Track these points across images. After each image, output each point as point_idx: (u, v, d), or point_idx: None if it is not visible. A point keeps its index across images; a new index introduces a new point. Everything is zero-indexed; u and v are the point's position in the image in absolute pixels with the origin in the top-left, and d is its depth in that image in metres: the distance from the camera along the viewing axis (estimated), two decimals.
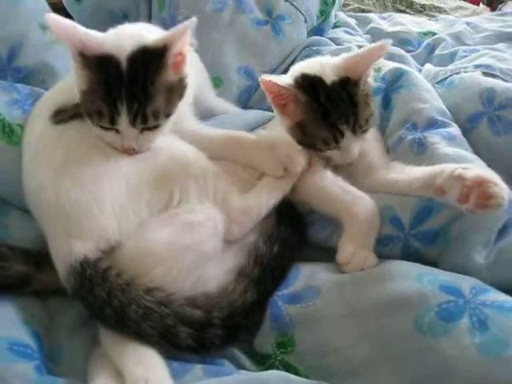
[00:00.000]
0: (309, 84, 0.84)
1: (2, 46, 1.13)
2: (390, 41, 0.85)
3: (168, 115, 0.79)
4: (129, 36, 0.79)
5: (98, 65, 0.74)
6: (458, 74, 1.06)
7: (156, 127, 0.79)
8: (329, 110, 0.82)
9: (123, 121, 0.75)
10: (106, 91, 0.74)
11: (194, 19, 0.76)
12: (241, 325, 0.72)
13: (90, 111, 0.76)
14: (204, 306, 0.70)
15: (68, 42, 0.74)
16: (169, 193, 0.78)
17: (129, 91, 0.74)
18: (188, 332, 0.67)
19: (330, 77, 0.84)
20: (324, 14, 1.43)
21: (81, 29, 0.75)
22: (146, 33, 0.80)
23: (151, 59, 0.76)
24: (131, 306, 0.67)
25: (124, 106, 0.74)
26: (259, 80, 0.84)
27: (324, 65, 0.87)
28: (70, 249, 0.72)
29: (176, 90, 0.80)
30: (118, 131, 0.77)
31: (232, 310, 0.71)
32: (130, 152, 0.79)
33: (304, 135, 0.85)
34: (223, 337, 0.69)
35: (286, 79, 0.86)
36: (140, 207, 0.76)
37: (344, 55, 0.88)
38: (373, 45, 0.86)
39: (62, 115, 0.81)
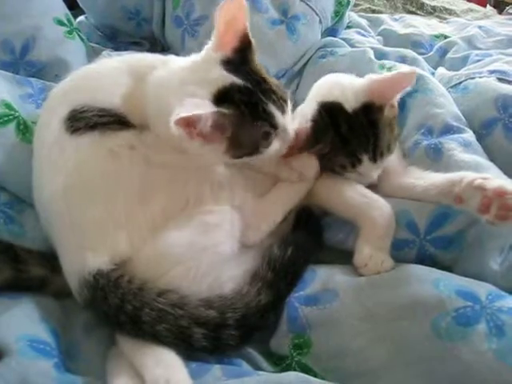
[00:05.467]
0: (329, 113, 0.84)
1: (15, 39, 1.14)
2: (417, 69, 0.85)
3: None
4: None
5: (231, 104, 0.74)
6: (472, 79, 1.06)
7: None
8: (349, 139, 0.82)
9: (281, 118, 0.77)
10: (256, 114, 0.75)
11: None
12: (255, 326, 0.72)
13: (255, 146, 0.77)
14: (218, 307, 0.70)
15: None
16: (184, 199, 0.78)
17: (262, 91, 0.76)
18: (203, 333, 0.68)
19: (351, 103, 0.83)
20: (338, 14, 1.43)
21: None
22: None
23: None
24: (144, 309, 0.68)
25: (272, 106, 0.76)
26: None
27: (346, 89, 0.86)
28: (83, 262, 0.71)
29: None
30: (277, 136, 0.78)
31: (246, 312, 0.71)
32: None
33: (323, 159, 0.85)
34: (238, 338, 0.70)
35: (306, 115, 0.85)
36: (154, 217, 0.75)
37: (371, 77, 0.88)
38: (402, 70, 0.85)
39: (80, 122, 0.78)
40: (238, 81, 0.74)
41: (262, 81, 0.77)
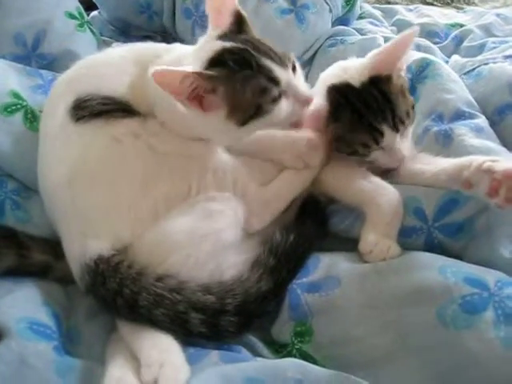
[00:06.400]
0: (338, 94, 0.82)
1: (27, 32, 1.16)
2: (417, 27, 0.81)
3: None
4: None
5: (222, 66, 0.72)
6: (486, 64, 1.03)
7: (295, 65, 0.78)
8: (363, 112, 0.80)
9: (281, 72, 0.73)
10: (249, 68, 0.72)
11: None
12: (255, 313, 0.71)
13: (256, 105, 0.72)
14: (217, 293, 0.70)
15: None
16: (187, 187, 0.77)
17: (257, 49, 0.73)
18: (200, 318, 0.67)
19: (357, 79, 0.82)
20: (349, 3, 1.41)
21: None
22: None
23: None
24: (142, 293, 0.67)
25: (269, 61, 0.72)
26: None
27: (348, 68, 0.85)
28: (85, 248, 0.72)
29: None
30: (285, 96, 0.74)
31: (246, 298, 0.70)
32: (308, 97, 0.76)
33: (344, 144, 0.83)
34: (237, 324, 0.69)
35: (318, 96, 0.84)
36: (156, 204, 0.75)
37: (370, 54, 0.86)
38: (398, 36, 0.83)
39: (84, 111, 0.78)
40: (228, 44, 0.73)
41: (257, 42, 0.75)
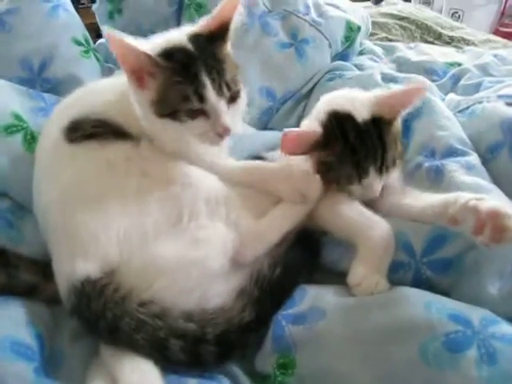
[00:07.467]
0: (338, 122, 0.83)
1: (34, 57, 1.19)
2: (428, 83, 0.83)
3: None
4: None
5: (169, 59, 0.76)
6: (480, 103, 1.05)
7: (237, 98, 0.81)
8: (357, 149, 0.81)
9: (211, 93, 0.76)
10: (185, 75, 0.76)
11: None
12: (235, 343, 0.71)
13: (174, 108, 0.77)
14: (198, 321, 0.69)
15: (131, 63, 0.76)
16: (178, 214, 0.77)
17: (206, 64, 0.77)
18: (180, 345, 0.67)
19: (361, 114, 0.83)
20: (349, 39, 1.44)
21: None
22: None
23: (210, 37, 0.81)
24: (124, 318, 0.67)
25: (207, 78, 0.76)
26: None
27: (355, 100, 0.86)
28: (73, 269, 0.72)
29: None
30: (207, 117, 0.78)
31: (227, 328, 0.70)
32: (226, 132, 0.79)
33: (328, 171, 0.84)
34: (217, 354, 0.68)
35: (314, 123, 0.85)
36: (146, 230, 0.75)
37: (379, 92, 0.88)
38: (411, 85, 0.84)
39: (78, 133, 0.81)
40: (187, 45, 0.78)
41: (213, 59, 0.78)
